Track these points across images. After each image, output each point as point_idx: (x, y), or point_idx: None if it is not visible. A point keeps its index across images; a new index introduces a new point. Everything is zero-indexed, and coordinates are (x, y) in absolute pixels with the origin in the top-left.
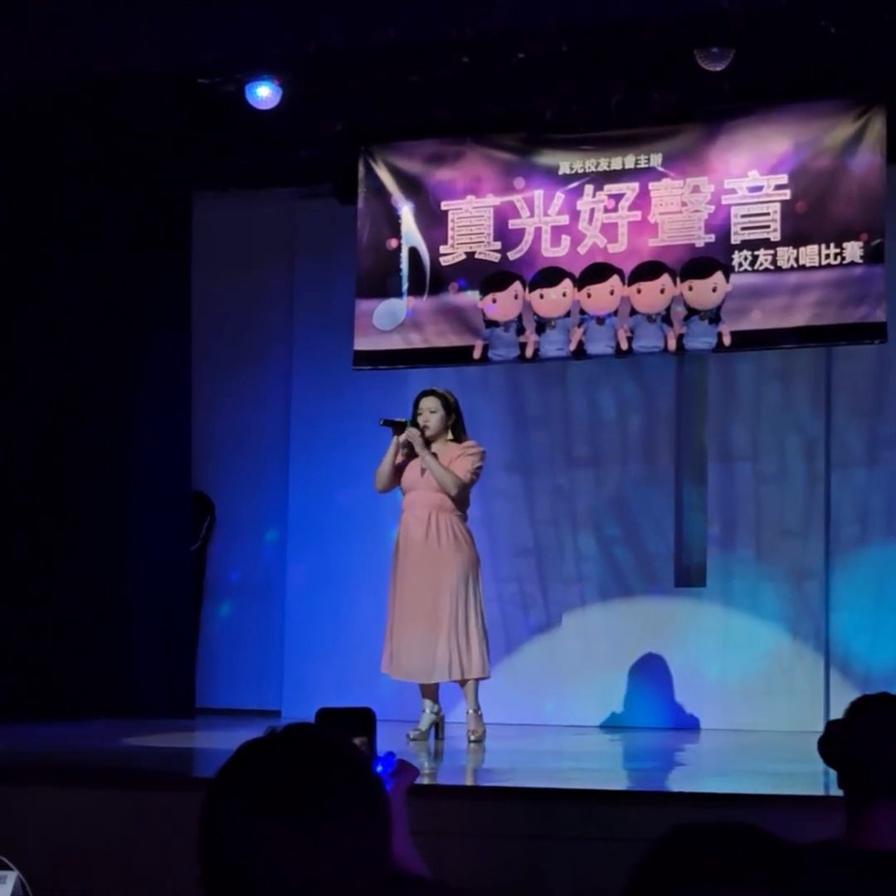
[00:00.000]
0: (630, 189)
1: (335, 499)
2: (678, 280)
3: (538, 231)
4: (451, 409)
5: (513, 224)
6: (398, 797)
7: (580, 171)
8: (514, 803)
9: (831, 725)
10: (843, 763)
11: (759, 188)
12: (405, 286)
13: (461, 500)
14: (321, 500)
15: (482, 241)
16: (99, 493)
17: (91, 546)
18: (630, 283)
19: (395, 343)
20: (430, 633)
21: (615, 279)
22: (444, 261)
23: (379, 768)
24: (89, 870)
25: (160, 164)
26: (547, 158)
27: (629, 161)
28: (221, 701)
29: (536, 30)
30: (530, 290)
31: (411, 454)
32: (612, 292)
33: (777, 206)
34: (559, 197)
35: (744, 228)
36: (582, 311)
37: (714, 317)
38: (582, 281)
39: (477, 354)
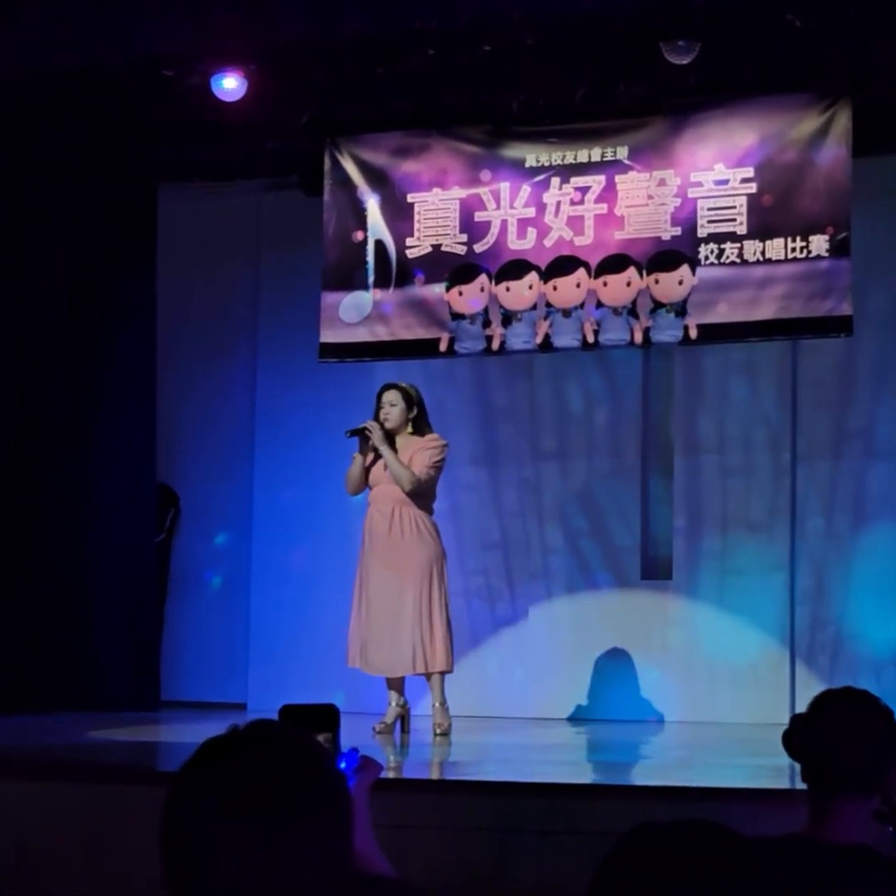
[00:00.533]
0: (596, 182)
1: (301, 491)
2: (644, 273)
3: (504, 224)
4: (413, 402)
5: (479, 216)
6: (362, 793)
7: (546, 163)
8: (480, 797)
9: (796, 719)
10: (807, 757)
11: (726, 181)
12: (371, 279)
13: (424, 494)
14: (287, 493)
15: (448, 234)
16: (63, 485)
17: (55, 538)
18: (596, 276)
19: (362, 336)
20: (394, 626)
21: (581, 272)
22: (411, 253)
23: (342, 765)
24: (53, 863)
25: (125, 156)
26: (513, 151)
27: (595, 154)
28: (187, 694)
29: (502, 22)
30: (496, 283)
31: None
32: (578, 285)
33: (743, 200)
34: (525, 189)
35: (710, 222)
36: (548, 304)
37: (680, 310)
38: (548, 274)
39: (443, 347)
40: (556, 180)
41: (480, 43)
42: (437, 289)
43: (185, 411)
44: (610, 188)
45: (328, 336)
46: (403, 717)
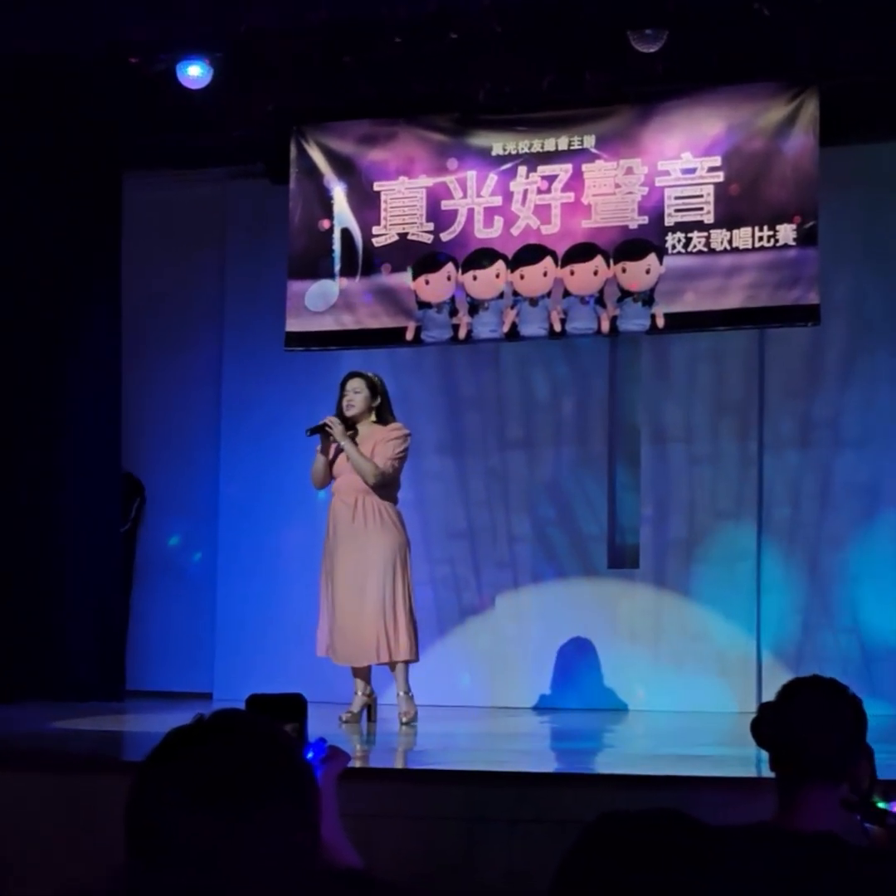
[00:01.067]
0: (563, 170)
1: (267, 481)
2: (611, 262)
3: (471, 212)
4: (377, 390)
5: (446, 205)
6: (329, 784)
7: (513, 152)
8: (447, 786)
9: (764, 707)
10: (775, 745)
11: (693, 170)
12: (337, 267)
13: (387, 485)
14: (253, 483)
15: (415, 223)
16: (27, 475)
17: (20, 528)
18: (563, 265)
19: (328, 324)
20: (358, 616)
21: (548, 261)
22: (377, 242)
23: (309, 755)
24: (17, 854)
25: (91, 144)
26: (480, 139)
27: (562, 142)
28: (153, 683)
29: (470, 10)
30: (463, 272)
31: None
32: (545, 274)
33: (710, 188)
34: (492, 178)
35: (677, 210)
36: (515, 293)
37: (647, 299)
38: (515, 262)
39: (409, 336)
40: (523, 169)
41: (448, 31)
42: (404, 277)
43: (151, 400)
44: (577, 177)
45: (294, 325)
46: (370, 707)
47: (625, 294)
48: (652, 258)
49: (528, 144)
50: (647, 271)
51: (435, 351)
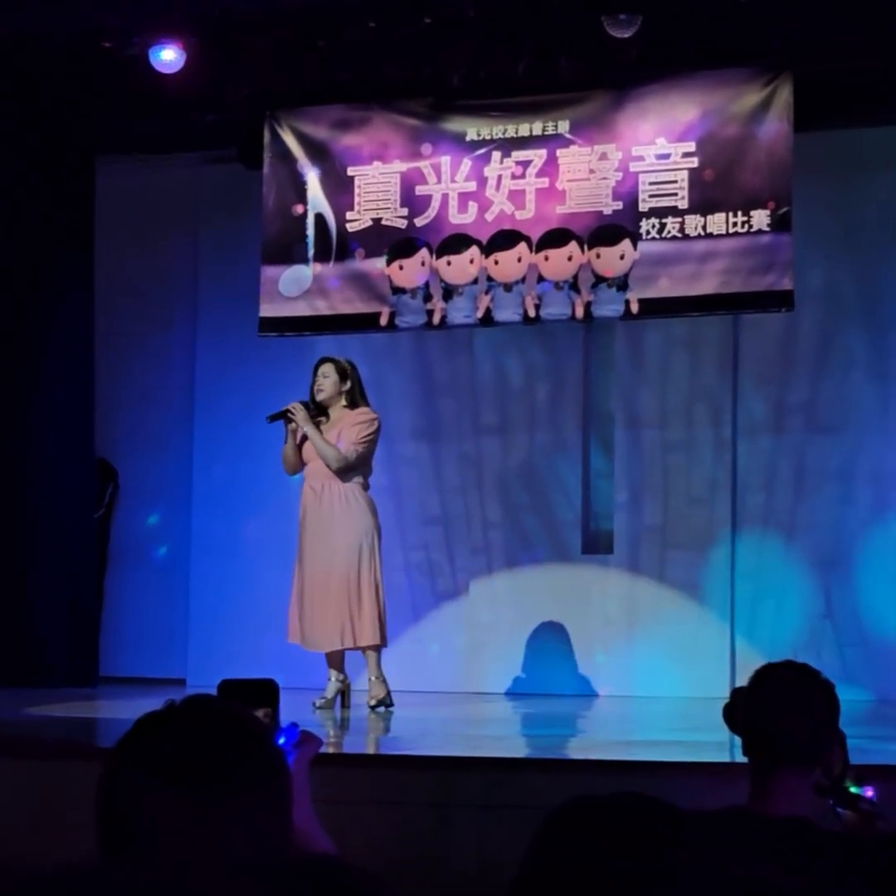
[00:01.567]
0: (537, 156)
1: (241, 467)
2: (586, 247)
3: (445, 197)
4: (346, 375)
5: (420, 190)
6: (301, 768)
7: (487, 137)
8: (419, 771)
9: (737, 693)
10: (747, 730)
11: (667, 156)
12: (311, 252)
13: (355, 469)
14: (226, 469)
15: (389, 208)
16: None
17: None
18: (537, 251)
19: (301, 310)
20: (323, 602)
21: (523, 246)
22: (351, 227)
23: (281, 740)
24: None
25: (63, 127)
26: (454, 124)
27: (536, 128)
28: (126, 670)
29: None
30: (437, 257)
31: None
32: (519, 259)
33: (685, 174)
34: (466, 163)
35: (651, 196)
36: (489, 278)
37: (622, 284)
38: (489, 248)
39: (384, 321)
40: (497, 154)
41: (422, 15)
42: (378, 263)
43: (124, 386)
44: (551, 162)
45: (268, 310)
46: (344, 693)
47: (599, 280)
48: (626, 244)
49: (502, 130)
50: (622, 257)
51: (409, 336)
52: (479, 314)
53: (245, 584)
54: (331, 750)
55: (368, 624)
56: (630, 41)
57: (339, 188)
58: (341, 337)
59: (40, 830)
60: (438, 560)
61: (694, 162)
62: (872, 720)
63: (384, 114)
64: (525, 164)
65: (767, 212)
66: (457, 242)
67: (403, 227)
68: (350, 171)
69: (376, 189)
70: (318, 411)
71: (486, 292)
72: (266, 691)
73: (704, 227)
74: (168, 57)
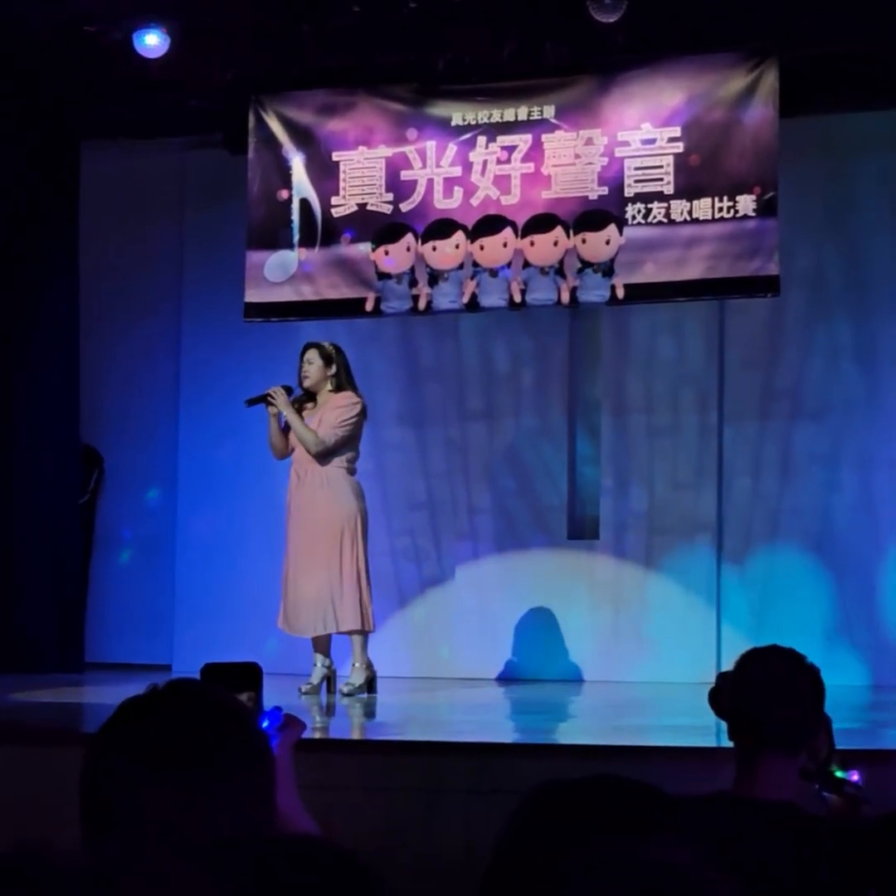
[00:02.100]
0: (523, 141)
1: (226, 453)
2: (571, 233)
3: (430, 182)
4: (331, 360)
5: (405, 175)
6: (285, 752)
7: (473, 122)
8: (406, 757)
9: (722, 677)
10: (734, 715)
11: (653, 141)
12: (296, 238)
13: (337, 454)
14: (212, 454)
15: (374, 193)
16: None
17: None
18: (523, 236)
19: (287, 295)
20: (305, 587)
21: (508, 231)
22: (336, 212)
23: (265, 723)
24: None
25: (47, 113)
26: (439, 109)
27: (522, 113)
28: (111, 656)
29: None
30: (423, 243)
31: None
32: (505, 245)
33: (670, 159)
34: (452, 148)
35: (637, 181)
36: (475, 264)
37: (607, 270)
38: (475, 233)
39: (369, 307)
40: (482, 139)
41: (407, 0)
42: (363, 248)
43: (110, 372)
44: (536, 147)
45: (253, 295)
46: (329, 679)
47: (585, 265)
48: (612, 229)
49: (487, 114)
50: (607, 242)
51: (394, 322)
52: (465, 299)
53: (231, 571)
54: (317, 735)
55: (350, 609)
56: (615, 26)
57: (324, 173)
58: (327, 322)
59: (27, 815)
60: (424, 545)
61: (679, 147)
62: (863, 705)
63: (369, 99)
64: (510, 149)
65: (753, 197)
66: (442, 228)
67: (389, 212)
68: (335, 156)
69: (361, 174)
70: (306, 397)
71: (472, 278)
72: (249, 675)
73: (690, 213)
74: (152, 42)
